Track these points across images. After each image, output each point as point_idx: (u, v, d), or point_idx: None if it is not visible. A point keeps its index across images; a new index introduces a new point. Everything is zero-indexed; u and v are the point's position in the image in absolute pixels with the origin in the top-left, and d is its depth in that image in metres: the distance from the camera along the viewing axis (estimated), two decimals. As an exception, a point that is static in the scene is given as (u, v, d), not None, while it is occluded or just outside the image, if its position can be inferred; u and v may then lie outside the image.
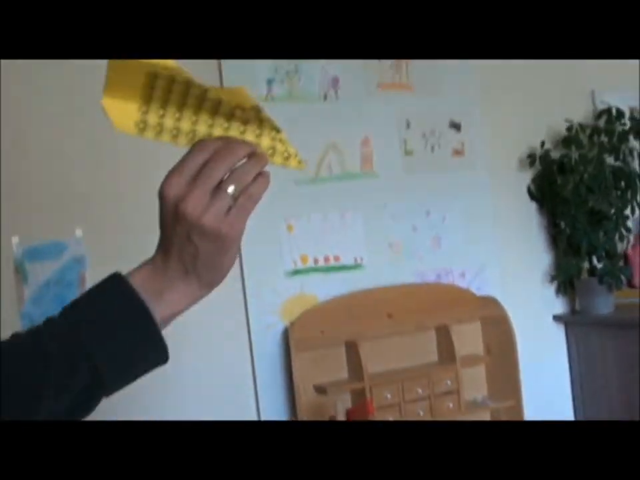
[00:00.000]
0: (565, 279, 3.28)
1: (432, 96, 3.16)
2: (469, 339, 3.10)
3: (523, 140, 3.30)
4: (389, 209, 3.08)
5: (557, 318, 3.34)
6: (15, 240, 2.60)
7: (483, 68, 3.20)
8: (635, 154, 3.32)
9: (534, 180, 3.31)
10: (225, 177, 0.80)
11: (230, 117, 0.84)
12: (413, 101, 3.13)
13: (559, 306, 3.36)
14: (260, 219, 2.86)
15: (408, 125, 3.12)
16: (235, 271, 2.83)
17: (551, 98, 3.37)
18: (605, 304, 3.23)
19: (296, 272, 2.93)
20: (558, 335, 3.33)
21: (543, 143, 3.27)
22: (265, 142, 0.85)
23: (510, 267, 3.25)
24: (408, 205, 3.11)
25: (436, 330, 3.04)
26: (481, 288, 3.19)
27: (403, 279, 3.07)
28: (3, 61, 2.50)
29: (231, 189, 0.80)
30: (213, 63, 2.82)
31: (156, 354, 0.82)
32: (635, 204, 3.26)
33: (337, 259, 3.00)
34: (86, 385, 0.78)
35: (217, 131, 0.85)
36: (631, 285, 3.35)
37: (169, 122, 0.85)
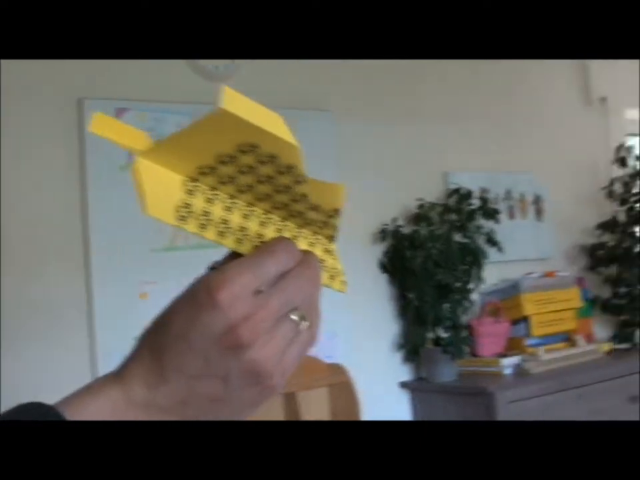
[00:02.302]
0: (411, 348, 3.47)
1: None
2: (315, 405, 3.24)
3: (377, 216, 3.48)
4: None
5: (403, 384, 3.52)
6: None
7: (340, 147, 3.39)
8: (481, 231, 3.56)
9: (385, 253, 3.50)
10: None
11: (294, 215, 0.65)
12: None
13: (406, 373, 3.54)
14: (113, 287, 2.96)
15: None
16: (85, 342, 2.81)
17: (406, 177, 3.58)
18: (448, 372, 3.41)
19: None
20: (403, 400, 3.50)
21: (394, 219, 3.47)
22: (317, 253, 0.66)
23: (360, 335, 3.41)
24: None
25: (284, 396, 3.17)
26: (331, 355, 3.34)
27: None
28: None
29: (295, 319, 0.59)
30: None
31: None
32: (478, 278, 3.49)
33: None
34: None
35: (269, 231, 0.64)
36: (475, 354, 3.55)
37: (217, 210, 0.61)
